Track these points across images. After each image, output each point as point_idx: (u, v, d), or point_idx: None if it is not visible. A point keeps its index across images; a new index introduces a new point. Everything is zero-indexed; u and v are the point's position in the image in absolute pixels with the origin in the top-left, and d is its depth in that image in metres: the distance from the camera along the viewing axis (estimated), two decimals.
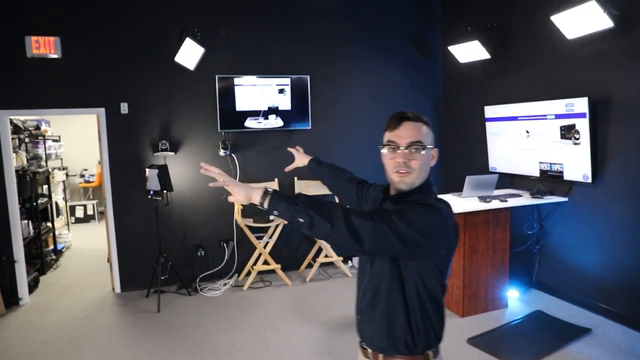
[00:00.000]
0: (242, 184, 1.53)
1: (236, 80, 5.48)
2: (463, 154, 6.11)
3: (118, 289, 5.41)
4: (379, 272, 1.58)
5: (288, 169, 2.36)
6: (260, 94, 5.57)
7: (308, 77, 5.73)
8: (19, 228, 5.19)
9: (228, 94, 5.45)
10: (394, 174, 1.54)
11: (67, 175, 9.68)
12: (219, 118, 5.43)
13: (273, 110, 5.63)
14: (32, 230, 5.97)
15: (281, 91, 5.64)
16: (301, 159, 2.32)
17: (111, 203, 5.31)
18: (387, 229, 1.34)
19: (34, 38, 4.85)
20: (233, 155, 5.58)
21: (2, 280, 5.04)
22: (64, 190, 9.49)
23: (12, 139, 5.87)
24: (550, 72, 4.73)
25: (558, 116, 4.49)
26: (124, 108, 5.21)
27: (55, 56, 4.92)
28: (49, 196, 6.97)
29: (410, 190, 1.55)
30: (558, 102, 4.47)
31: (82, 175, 9.98)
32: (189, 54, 5.03)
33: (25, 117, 6.60)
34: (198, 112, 5.47)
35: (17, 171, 5.53)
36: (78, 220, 9.74)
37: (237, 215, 5.42)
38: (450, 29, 6.22)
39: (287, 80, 5.66)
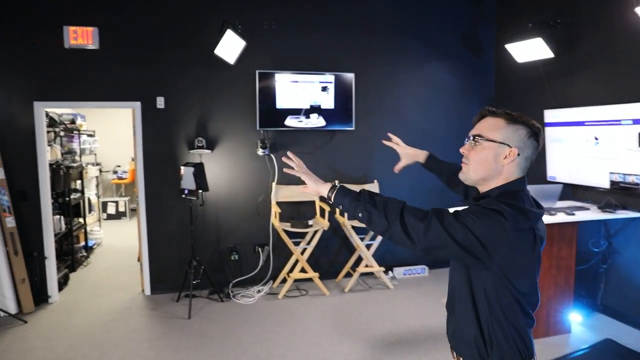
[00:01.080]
0: (314, 177, 1.59)
1: (277, 77, 5.19)
2: None
3: (148, 291, 5.19)
4: (455, 275, 1.56)
5: (397, 168, 2.18)
6: (302, 92, 5.27)
7: (353, 75, 5.39)
8: (50, 223, 5.02)
9: (268, 91, 5.17)
10: None
11: (100, 171, 9.62)
12: (258, 115, 5.15)
13: (315, 109, 5.31)
14: (63, 226, 5.82)
15: (324, 89, 5.32)
16: (410, 154, 2.15)
17: (144, 201, 5.09)
18: (440, 228, 1.31)
19: (72, 28, 4.68)
20: (272, 155, 5.29)
21: (33, 277, 4.88)
22: (97, 186, 9.44)
23: (48, 132, 5.76)
24: (629, 73, 4.25)
25: (636, 121, 4.02)
26: (160, 102, 4.99)
27: (93, 47, 4.74)
28: (82, 192, 6.84)
29: (488, 191, 1.49)
30: (637, 106, 4.00)
31: (115, 172, 9.90)
32: (230, 46, 4.77)
33: (61, 111, 6.49)
34: (236, 108, 5.21)
35: (50, 165, 5.38)
36: (110, 217, 9.67)
37: (274, 219, 5.12)
38: (505, 27, 5.78)
39: (331, 78, 5.34)
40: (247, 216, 5.33)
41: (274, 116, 5.22)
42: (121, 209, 9.74)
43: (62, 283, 5.43)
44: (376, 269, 5.28)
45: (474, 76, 6.01)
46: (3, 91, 4.68)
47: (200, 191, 4.71)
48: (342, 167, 5.48)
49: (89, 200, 7.63)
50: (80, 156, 6.85)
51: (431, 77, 5.82)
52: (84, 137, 7.27)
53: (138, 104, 4.96)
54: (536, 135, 1.47)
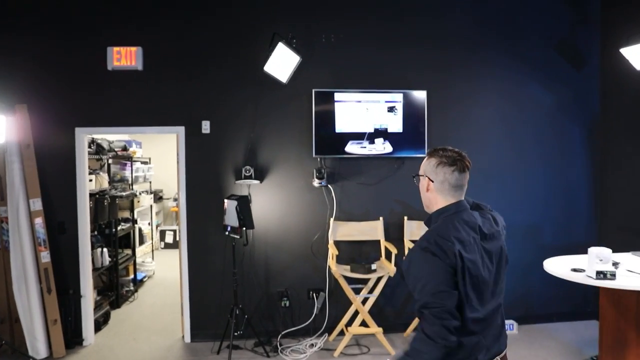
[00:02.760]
0: None
1: (337, 96, 4.52)
2: (632, 198, 4.53)
3: (188, 338, 4.60)
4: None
5: None
6: (365, 113, 4.55)
7: (425, 93, 4.61)
8: (88, 258, 4.61)
9: (326, 113, 4.51)
10: None
11: (160, 198, 9.42)
12: (314, 141, 4.49)
13: (380, 133, 4.57)
14: (107, 260, 5.43)
15: (391, 109, 4.58)
16: None
17: (186, 237, 4.56)
18: (437, 322, 1.48)
19: (115, 49, 4.32)
20: (330, 186, 4.59)
21: (67, 317, 4.46)
22: (156, 214, 9.23)
23: (96, 159, 5.46)
24: None
25: None
26: (206, 127, 4.48)
27: (137, 68, 4.34)
28: (133, 221, 6.50)
29: (427, 219, 1.79)
30: None
31: (175, 199, 9.67)
32: (282, 63, 4.19)
33: (115, 137, 6.24)
34: (289, 133, 4.59)
35: (94, 195, 5.04)
36: (167, 246, 9.39)
37: (331, 261, 4.38)
38: (614, 30, 4.75)
39: (399, 97, 4.59)
40: (301, 256, 4.62)
41: (332, 142, 4.54)
42: (179, 238, 9.43)
43: (101, 322, 4.99)
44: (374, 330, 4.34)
45: (573, 93, 4.98)
46: (44, 117, 4.39)
47: (245, 229, 4.08)
48: (412, 201, 4.64)
49: (140, 230, 7.31)
50: (131, 184, 6.53)
51: (520, 94, 4.88)
52: (137, 165, 7.00)
53: (182, 129, 4.48)
54: (446, 163, 1.68)
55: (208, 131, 4.48)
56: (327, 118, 4.51)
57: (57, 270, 4.40)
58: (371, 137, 4.55)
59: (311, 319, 4.61)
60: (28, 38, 4.39)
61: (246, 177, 4.36)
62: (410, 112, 4.59)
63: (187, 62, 4.48)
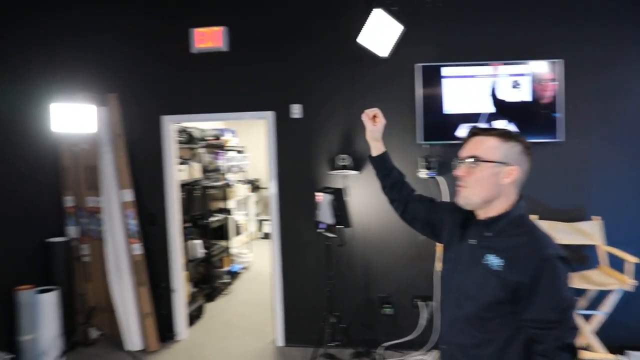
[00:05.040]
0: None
1: (445, 71, 3.82)
2: None
3: (280, 341, 4.25)
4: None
5: (364, 118, 1.86)
6: (481, 90, 3.80)
7: (562, 62, 3.72)
8: (179, 252, 4.44)
9: (433, 91, 3.83)
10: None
11: (257, 187, 9.32)
12: (419, 125, 3.84)
13: (502, 113, 3.79)
14: (201, 251, 5.28)
15: (515, 85, 3.76)
16: (378, 133, 1.82)
17: (278, 231, 4.19)
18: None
19: (198, 30, 4.04)
20: (439, 178, 3.92)
21: (160, 311, 4.33)
22: (256, 203, 9.14)
23: (190, 149, 5.32)
24: None
25: None
26: (297, 111, 4.03)
27: (222, 49, 4.02)
28: (228, 212, 6.34)
29: (498, 216, 1.44)
30: None
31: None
32: (380, 33, 3.58)
33: (208, 125, 6.10)
34: (390, 115, 3.85)
35: (185, 185, 4.87)
36: (267, 236, 9.27)
37: (440, 264, 3.72)
38: None
39: (526, 68, 3.75)
40: (405, 258, 4.01)
41: (441, 125, 3.86)
42: None
43: (196, 316, 4.85)
44: (601, 355, 3.46)
45: None
46: (132, 105, 4.26)
47: (341, 227, 3.58)
48: (543, 195, 3.80)
49: (236, 220, 7.17)
50: (225, 174, 6.35)
51: None
52: (232, 154, 6.83)
53: (271, 114, 4.08)
54: (529, 151, 1.45)
55: (299, 115, 4.03)
56: (434, 97, 3.84)
57: (150, 263, 4.28)
58: (490, 118, 3.79)
59: (418, 331, 4.01)
60: (114, 28, 4.29)
61: (342, 167, 3.85)
62: (541, 88, 3.74)
63: (275, 41, 4.06)
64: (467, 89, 3.82)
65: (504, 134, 1.45)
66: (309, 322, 4.06)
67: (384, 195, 1.88)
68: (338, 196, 3.58)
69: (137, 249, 4.20)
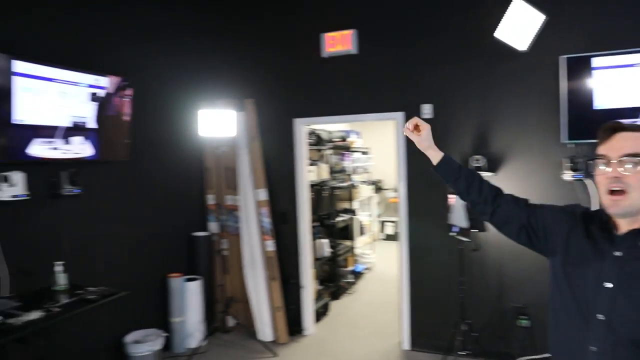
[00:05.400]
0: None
1: (596, 62, 3.43)
2: None
3: (406, 344, 4.18)
4: None
5: (406, 132, 1.70)
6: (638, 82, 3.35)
7: None
8: (309, 249, 4.61)
9: (580, 85, 3.47)
10: (606, 196, 1.26)
11: (380, 189, 9.31)
12: (563, 123, 3.51)
13: None
14: (328, 251, 5.42)
15: None
16: (427, 141, 1.63)
17: (406, 233, 4.13)
18: None
19: (329, 35, 4.15)
20: (586, 180, 3.54)
21: (289, 305, 4.53)
22: (377, 204, 9.15)
23: (317, 150, 5.49)
24: None
25: None
26: (427, 111, 3.93)
27: (352, 52, 4.08)
28: (353, 212, 6.42)
29: None
30: None
31: (395, 190, 9.44)
32: (518, 25, 3.34)
33: (334, 127, 6.24)
34: (530, 113, 3.70)
35: (314, 185, 5.03)
36: (388, 237, 9.23)
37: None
38: None
39: None
40: (544, 267, 3.68)
41: (589, 122, 3.46)
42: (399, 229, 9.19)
43: (321, 313, 4.98)
44: None
45: None
46: (266, 109, 4.52)
47: (475, 230, 3.41)
48: None
49: (360, 221, 7.22)
50: (351, 175, 6.44)
51: None
52: (357, 155, 6.90)
53: (400, 115, 4.04)
54: None
55: (429, 116, 3.92)
56: (581, 91, 3.47)
57: (281, 259, 4.50)
58: None
59: None
60: (251, 37, 4.60)
61: (476, 169, 3.66)
62: None
63: (404, 41, 4.01)
64: (621, 80, 3.39)
65: None
66: (438, 327, 3.94)
67: (464, 201, 1.69)
68: None
69: (270, 245, 4.44)
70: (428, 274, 4.04)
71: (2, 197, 2.78)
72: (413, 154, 4.03)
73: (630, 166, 1.24)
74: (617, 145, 1.27)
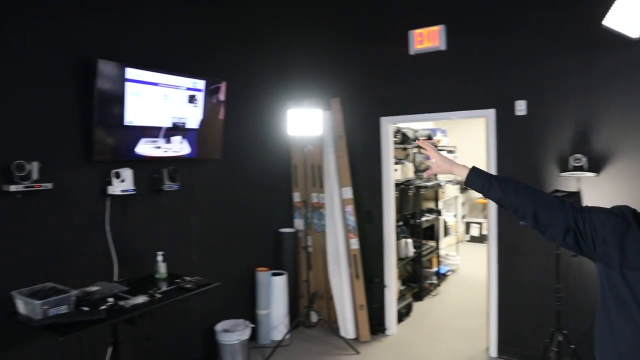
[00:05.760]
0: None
1: None
2: None
3: (493, 352, 4.01)
4: None
5: (428, 174, 1.98)
6: None
7: None
8: (393, 249, 4.57)
9: None
10: None
11: (465, 189, 8.98)
12: None
13: None
14: (412, 251, 5.34)
15: None
16: (445, 163, 1.76)
17: (495, 235, 3.96)
18: None
19: (417, 31, 4.08)
20: None
21: (371, 304, 4.53)
22: (462, 205, 8.86)
23: (402, 149, 5.42)
24: None
25: None
26: (521, 107, 3.73)
27: (440, 48, 3.98)
28: (438, 213, 6.27)
29: None
30: None
31: None
32: (631, 11, 3.05)
33: (418, 126, 6.12)
34: (636, 109, 3.37)
35: (399, 184, 4.98)
36: (473, 239, 8.90)
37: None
38: None
39: None
40: None
41: None
42: (485, 231, 8.80)
43: (404, 313, 4.92)
44: None
45: None
46: (353, 108, 4.55)
47: None
48: None
49: (445, 222, 7.02)
50: (436, 174, 6.28)
51: None
52: (442, 154, 6.70)
53: (491, 112, 3.87)
54: None
55: (524, 112, 3.72)
56: None
57: (364, 258, 4.50)
58: None
59: None
60: (337, 36, 4.64)
61: (575, 169, 3.42)
62: None
63: (495, 35, 3.82)
64: None
65: None
66: (529, 335, 3.74)
67: (503, 208, 1.61)
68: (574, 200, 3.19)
69: (355, 243, 4.46)
70: (519, 278, 3.84)
71: (114, 191, 3.07)
72: (504, 153, 3.85)
73: None
74: None
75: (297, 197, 4.88)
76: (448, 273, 6.52)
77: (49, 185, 2.71)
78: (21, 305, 2.46)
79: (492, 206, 3.97)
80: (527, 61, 3.71)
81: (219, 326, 3.89)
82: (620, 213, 1.38)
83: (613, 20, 3.12)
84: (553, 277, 3.46)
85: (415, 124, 5.90)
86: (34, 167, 2.64)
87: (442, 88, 4.09)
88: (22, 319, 2.44)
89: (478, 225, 8.84)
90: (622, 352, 1.33)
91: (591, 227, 1.39)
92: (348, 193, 4.46)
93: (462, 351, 4.15)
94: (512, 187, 1.55)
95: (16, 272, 2.66)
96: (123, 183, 3.08)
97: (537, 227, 1.50)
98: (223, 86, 3.79)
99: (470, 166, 1.66)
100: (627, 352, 1.31)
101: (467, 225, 8.98)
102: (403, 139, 5.16)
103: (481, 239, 8.72)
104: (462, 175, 1.64)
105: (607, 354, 1.37)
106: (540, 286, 3.68)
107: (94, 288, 2.78)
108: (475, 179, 1.64)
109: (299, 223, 4.85)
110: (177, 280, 3.11)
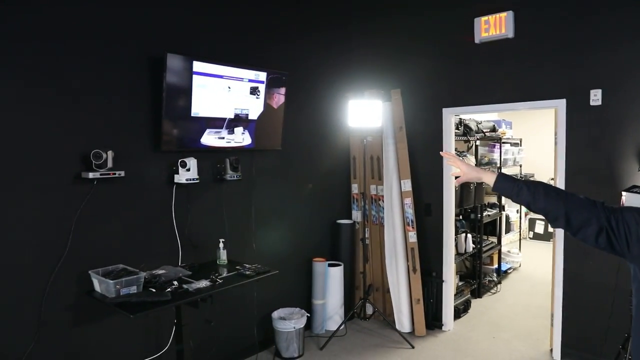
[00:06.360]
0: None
1: None
2: None
3: (557, 354, 3.84)
4: None
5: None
6: None
7: None
8: (452, 244, 4.48)
9: None
10: None
11: None
12: None
13: None
14: (471, 246, 5.19)
15: None
16: (472, 171, 1.71)
17: (562, 234, 3.76)
18: None
19: (483, 19, 3.92)
20: None
21: (429, 299, 4.47)
22: None
23: (464, 141, 5.27)
24: None
25: None
26: (596, 97, 3.50)
27: (507, 35, 3.81)
28: (500, 208, 6.05)
29: None
30: None
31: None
32: None
33: (484, 117, 5.91)
34: None
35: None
36: (536, 236, 8.53)
37: None
38: None
39: None
40: None
41: None
42: (550, 229, 8.40)
43: (462, 310, 4.82)
44: None
45: None
46: (414, 99, 4.48)
47: None
48: None
49: (507, 217, 6.77)
50: (501, 167, 6.05)
51: None
52: (507, 146, 6.45)
53: (562, 102, 3.66)
54: None
55: (599, 102, 3.49)
56: None
57: (422, 251, 4.44)
58: None
59: None
60: (399, 27, 4.56)
61: None
62: None
63: (567, 19, 3.60)
64: None
65: None
66: (597, 340, 3.54)
67: (533, 212, 1.66)
68: None
69: (413, 236, 4.40)
70: (587, 279, 3.64)
71: (180, 180, 3.20)
72: (575, 146, 3.64)
73: None
74: None
75: (355, 188, 4.87)
76: (509, 271, 6.29)
77: (122, 173, 2.87)
78: (97, 284, 2.65)
79: None
80: (602, 47, 3.48)
81: (276, 313, 3.98)
82: None
83: None
84: (625, 280, 3.24)
85: (479, 116, 5.70)
86: (109, 156, 2.80)
87: (508, 77, 3.93)
88: (97, 296, 2.63)
89: (543, 223, 8.45)
90: None
91: (625, 227, 1.39)
92: (407, 185, 4.40)
93: (522, 351, 4.01)
94: (542, 190, 1.55)
95: (92, 253, 2.84)
96: (188, 172, 3.21)
97: (569, 228, 1.50)
98: (284, 78, 3.83)
99: (497, 172, 1.67)
100: None
101: (531, 222, 8.61)
102: (465, 130, 5.01)
103: (546, 236, 8.34)
104: (491, 181, 1.64)
105: None
106: (611, 289, 3.46)
107: (160, 271, 2.93)
108: (503, 184, 1.64)
109: (356, 215, 4.84)
110: (237, 267, 3.21)
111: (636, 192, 3.03)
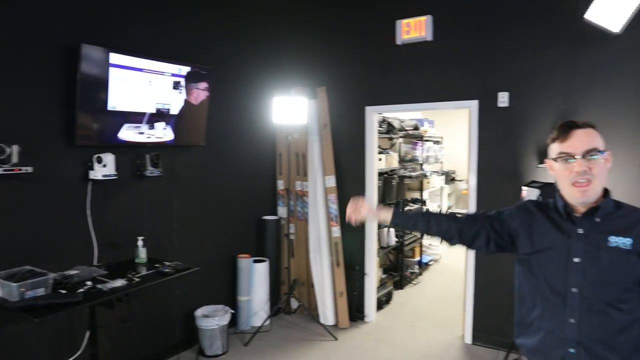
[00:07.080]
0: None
1: None
2: None
3: (468, 339, 4.11)
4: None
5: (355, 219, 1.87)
6: None
7: None
8: (374, 238, 4.63)
9: None
10: (572, 187, 1.47)
11: (452, 179, 9.07)
12: None
13: None
14: (394, 240, 5.41)
15: None
16: (372, 210, 1.84)
17: None
18: None
19: (404, 21, 4.09)
20: None
21: (351, 292, 4.60)
22: (448, 196, 8.94)
23: (388, 139, 5.46)
24: None
25: None
26: (503, 99, 3.78)
27: (426, 38, 4.00)
28: (423, 203, 6.34)
29: (605, 201, 1.48)
30: None
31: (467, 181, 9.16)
32: (614, 4, 3.10)
33: (407, 116, 6.16)
34: (619, 103, 3.43)
35: (382, 174, 5.03)
36: None
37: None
38: None
39: None
40: None
41: None
42: None
43: (384, 301, 5.01)
44: None
45: None
46: (338, 97, 4.57)
47: None
48: None
49: None
50: (422, 165, 6.35)
51: None
52: (429, 144, 6.77)
53: (475, 103, 3.92)
54: None
55: (506, 104, 3.77)
56: None
57: (346, 246, 4.56)
58: None
59: None
60: (324, 26, 4.64)
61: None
62: None
63: (480, 26, 3.86)
64: None
65: (594, 126, 1.50)
66: (501, 324, 3.83)
67: (431, 237, 1.85)
68: (546, 191, 3.26)
69: (336, 231, 4.51)
70: (495, 270, 3.91)
71: (96, 176, 3.07)
72: (486, 144, 3.91)
73: (592, 159, 1.43)
74: (577, 142, 1.45)
75: (281, 184, 4.91)
76: (430, 263, 6.62)
77: (29, 169, 2.71)
78: None
79: (472, 198, 4.03)
80: (510, 53, 3.76)
81: (199, 311, 3.93)
82: (524, 207, 1.64)
83: (595, 14, 3.18)
84: None
85: (402, 114, 5.93)
86: (14, 151, 2.64)
87: (427, 78, 4.12)
88: None
89: None
90: (544, 328, 1.55)
91: (506, 225, 1.64)
92: (331, 181, 4.50)
93: (438, 337, 4.25)
94: (433, 218, 1.78)
95: None
96: (105, 168, 3.09)
97: (463, 243, 1.74)
98: (208, 73, 3.78)
99: (391, 209, 1.82)
100: (550, 326, 1.53)
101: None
102: (388, 128, 5.20)
103: None
104: (387, 218, 1.78)
105: (533, 334, 1.59)
106: (512, 277, 3.75)
107: (72, 272, 2.81)
108: (400, 219, 1.84)
109: (282, 211, 4.88)
110: (157, 265, 3.14)
111: (533, 187, 3.32)
